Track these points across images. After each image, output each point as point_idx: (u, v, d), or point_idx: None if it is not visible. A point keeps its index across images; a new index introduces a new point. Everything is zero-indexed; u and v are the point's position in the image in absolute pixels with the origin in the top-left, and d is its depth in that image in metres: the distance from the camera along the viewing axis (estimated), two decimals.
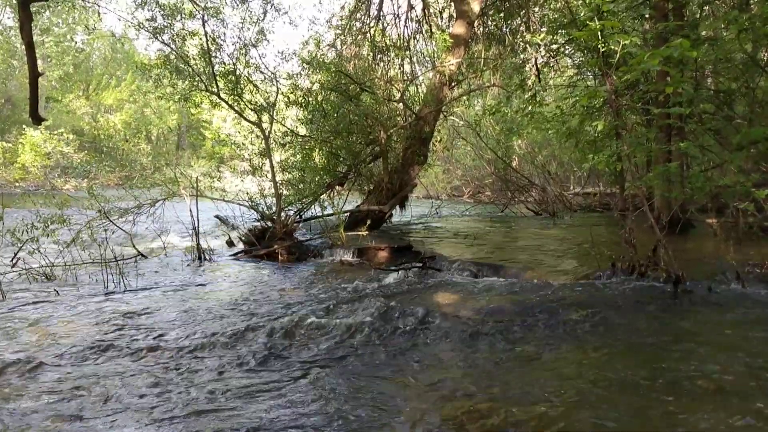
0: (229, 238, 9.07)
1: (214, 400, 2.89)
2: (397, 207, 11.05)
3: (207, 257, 7.62)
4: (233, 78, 9.25)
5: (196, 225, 7.69)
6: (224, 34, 10.89)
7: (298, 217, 9.53)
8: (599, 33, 5.16)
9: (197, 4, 9.20)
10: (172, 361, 3.48)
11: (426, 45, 14.15)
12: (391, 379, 3.20)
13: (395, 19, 14.15)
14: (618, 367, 3.25)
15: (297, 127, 10.81)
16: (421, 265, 6.52)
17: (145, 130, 38.08)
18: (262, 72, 10.13)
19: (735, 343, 3.66)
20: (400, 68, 13.68)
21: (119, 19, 24.78)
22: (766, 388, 2.87)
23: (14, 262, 6.51)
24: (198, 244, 7.57)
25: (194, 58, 9.33)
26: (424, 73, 13.59)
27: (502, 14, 12.53)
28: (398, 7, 14.36)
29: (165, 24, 9.05)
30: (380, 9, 14.00)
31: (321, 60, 10.68)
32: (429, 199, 18.47)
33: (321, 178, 10.15)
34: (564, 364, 3.34)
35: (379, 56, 13.05)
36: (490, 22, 12.94)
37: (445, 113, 12.46)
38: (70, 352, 3.62)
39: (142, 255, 7.55)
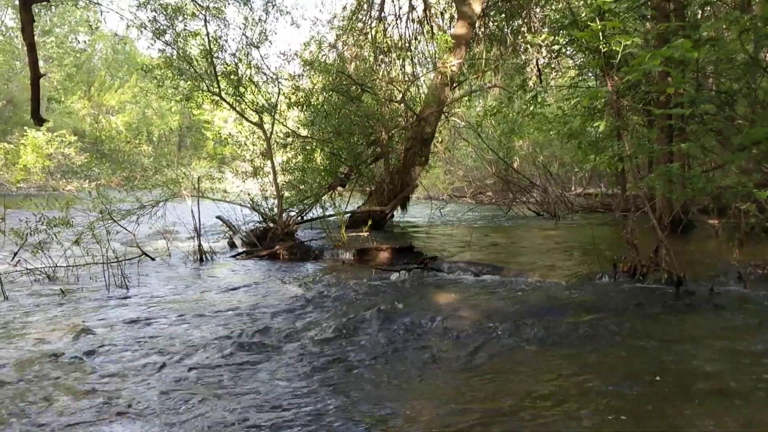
0: (231, 238, 9.08)
1: (215, 400, 2.89)
2: (399, 208, 11.07)
3: (209, 258, 7.62)
4: (235, 78, 9.27)
5: (198, 226, 7.69)
6: (226, 34, 10.93)
7: (299, 217, 9.54)
8: (600, 34, 5.16)
9: (199, 5, 9.22)
10: (175, 361, 3.48)
11: (427, 46, 14.17)
12: (392, 379, 3.20)
13: (396, 20, 14.17)
14: (619, 369, 3.25)
15: (298, 128, 10.83)
16: (422, 265, 6.52)
17: (146, 131, 38.15)
18: (264, 73, 10.16)
19: (737, 344, 3.65)
20: (401, 69, 13.70)
21: (121, 18, 24.82)
22: None
23: (16, 262, 6.52)
24: (200, 244, 7.58)
25: (196, 59, 9.35)
26: (425, 74, 13.61)
27: (503, 15, 12.54)
28: (399, 8, 14.38)
29: (167, 24, 9.07)
30: (381, 10, 14.03)
31: (323, 62, 10.70)
32: (430, 200, 18.47)
33: (322, 178, 10.17)
34: (565, 365, 3.34)
35: (380, 57, 13.07)
36: (491, 23, 12.95)
37: (446, 114, 12.47)
38: (73, 353, 3.63)
39: (148, 255, 7.56)
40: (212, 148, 38.32)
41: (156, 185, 8.74)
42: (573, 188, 17.91)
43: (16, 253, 6.64)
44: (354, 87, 10.00)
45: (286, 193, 9.32)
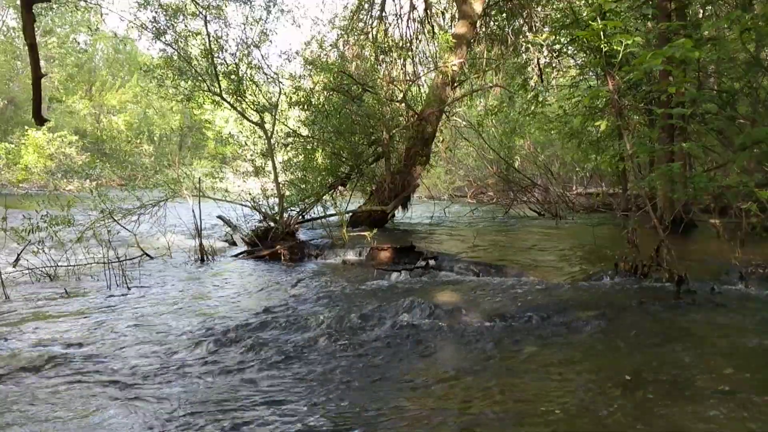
0: (232, 238, 9.08)
1: (218, 400, 2.89)
2: (400, 207, 11.06)
3: (210, 257, 7.63)
4: (236, 78, 9.27)
5: (199, 225, 7.70)
6: (227, 34, 10.94)
7: (300, 217, 9.54)
8: (602, 33, 5.16)
9: (199, 5, 9.23)
10: (176, 360, 3.49)
11: (428, 45, 14.16)
12: (393, 379, 3.20)
13: (397, 20, 14.17)
14: (621, 368, 3.24)
15: (299, 127, 10.83)
16: (423, 265, 6.52)
17: (147, 131, 38.18)
18: (264, 72, 10.16)
19: (738, 343, 3.65)
20: (402, 68, 13.69)
21: (122, 20, 24.84)
22: None
23: (17, 261, 6.53)
24: (201, 244, 7.58)
25: (197, 59, 9.35)
26: (426, 74, 13.60)
27: (504, 14, 12.53)
28: (400, 8, 14.39)
29: (167, 25, 9.08)
30: (382, 9, 14.03)
31: (324, 61, 10.70)
32: (431, 199, 18.46)
33: (323, 178, 10.17)
34: (566, 365, 3.34)
35: (381, 56, 13.06)
36: (492, 23, 12.94)
37: (447, 113, 12.46)
38: (74, 352, 3.63)
39: (148, 255, 7.56)
40: (213, 148, 38.40)
41: (157, 185, 8.75)
42: (574, 188, 17.88)
43: (18, 255, 6.64)
44: (355, 86, 10.00)
45: (287, 193, 9.33)
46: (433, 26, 13.86)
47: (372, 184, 11.02)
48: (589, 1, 7.56)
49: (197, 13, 9.20)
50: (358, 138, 10.64)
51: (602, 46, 5.30)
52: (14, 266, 6.46)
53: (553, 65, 12.95)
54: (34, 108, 5.22)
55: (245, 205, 8.92)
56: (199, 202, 7.96)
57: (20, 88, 31.81)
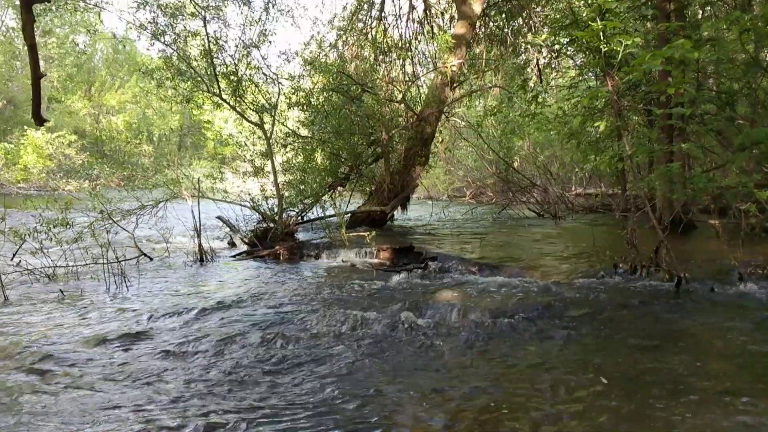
0: (231, 239, 9.07)
1: (216, 400, 2.89)
2: (399, 208, 11.06)
3: (209, 258, 7.62)
4: (235, 79, 9.26)
5: (198, 226, 7.69)
6: (226, 34, 10.93)
7: (299, 218, 9.54)
8: (601, 33, 5.16)
9: (198, 5, 9.22)
10: (177, 362, 3.49)
11: (427, 46, 14.16)
12: (393, 379, 3.20)
13: (397, 20, 14.17)
14: (620, 368, 3.25)
15: (299, 128, 10.83)
16: (423, 265, 6.52)
17: (147, 131, 38.17)
18: (264, 73, 10.16)
19: (737, 344, 3.65)
20: (401, 69, 13.69)
21: (121, 20, 24.78)
22: None
23: (17, 262, 6.52)
24: (200, 245, 7.58)
25: (196, 59, 9.34)
26: (425, 74, 13.60)
27: (503, 15, 12.53)
28: (400, 8, 14.39)
29: (166, 25, 9.07)
30: (382, 10, 14.03)
31: (323, 61, 10.70)
32: (430, 200, 18.45)
33: (323, 179, 10.16)
34: (566, 365, 3.34)
35: (380, 57, 13.06)
36: (491, 23, 12.94)
37: (446, 114, 12.46)
38: (73, 352, 3.63)
39: (147, 256, 7.55)
40: (212, 148, 38.41)
41: (156, 185, 8.74)
42: (573, 188, 17.87)
43: (15, 254, 6.64)
44: (354, 87, 9.99)
45: (287, 193, 9.33)
46: (432, 27, 13.86)
47: (371, 184, 11.01)
48: (589, 2, 7.56)
49: (196, 13, 9.19)
50: (358, 138, 10.63)
51: (602, 46, 5.30)
52: (14, 266, 6.45)
53: (553, 66, 12.95)
54: (34, 108, 5.20)
55: (245, 206, 8.92)
56: (198, 203, 7.95)
57: (19, 88, 31.77)
